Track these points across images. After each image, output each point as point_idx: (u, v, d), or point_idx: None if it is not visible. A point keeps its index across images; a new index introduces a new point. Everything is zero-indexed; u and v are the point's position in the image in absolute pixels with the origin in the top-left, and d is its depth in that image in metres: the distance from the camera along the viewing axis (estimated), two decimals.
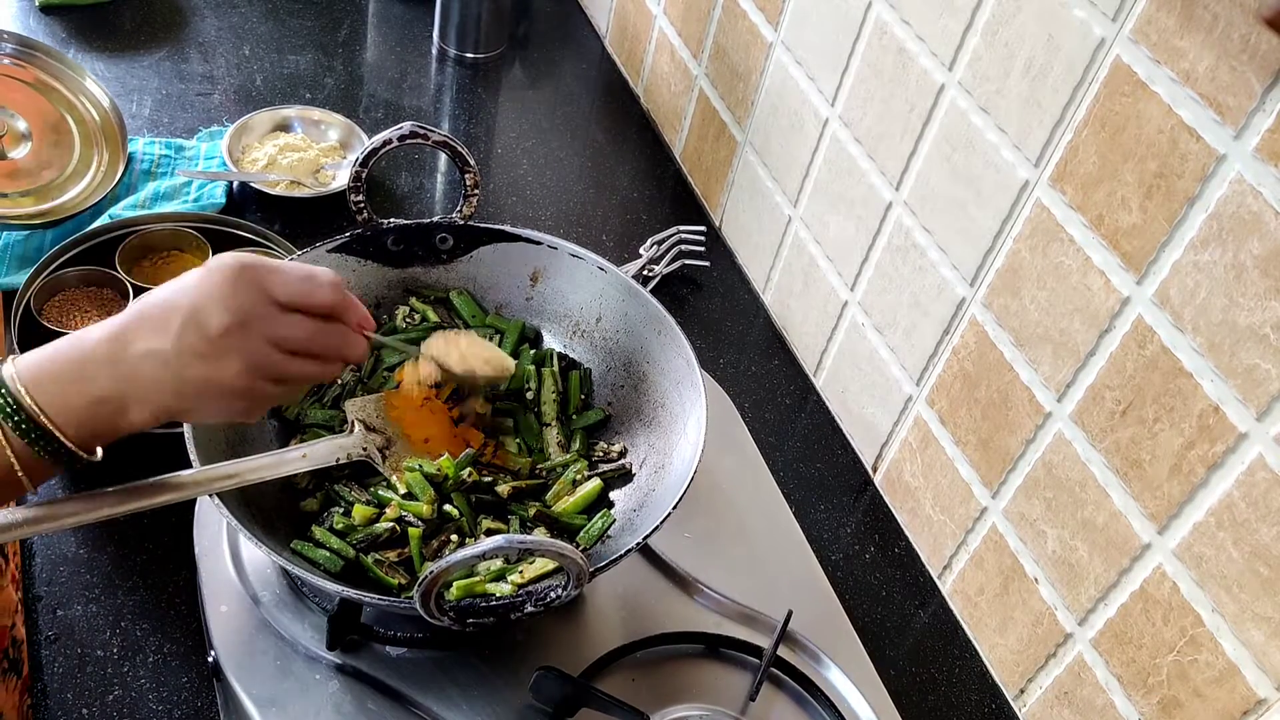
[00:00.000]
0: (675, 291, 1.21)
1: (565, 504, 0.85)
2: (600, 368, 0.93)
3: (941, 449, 0.98)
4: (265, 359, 0.65)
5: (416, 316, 0.93)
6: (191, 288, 0.64)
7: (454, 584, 0.78)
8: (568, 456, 0.88)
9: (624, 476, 0.88)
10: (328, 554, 0.78)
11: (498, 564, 0.80)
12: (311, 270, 0.69)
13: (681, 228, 1.26)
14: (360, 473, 0.84)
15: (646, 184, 1.35)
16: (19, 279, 1.04)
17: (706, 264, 1.25)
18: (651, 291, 0.91)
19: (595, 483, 0.85)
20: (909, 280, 0.99)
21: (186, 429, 0.75)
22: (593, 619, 0.85)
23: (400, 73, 1.43)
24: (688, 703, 0.81)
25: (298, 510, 0.83)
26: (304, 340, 0.67)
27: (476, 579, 0.78)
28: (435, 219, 0.93)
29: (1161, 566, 0.77)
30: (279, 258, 0.80)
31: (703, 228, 1.28)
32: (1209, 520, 0.73)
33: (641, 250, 1.23)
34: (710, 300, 1.23)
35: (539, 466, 0.87)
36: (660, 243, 1.24)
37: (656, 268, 1.22)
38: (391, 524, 0.80)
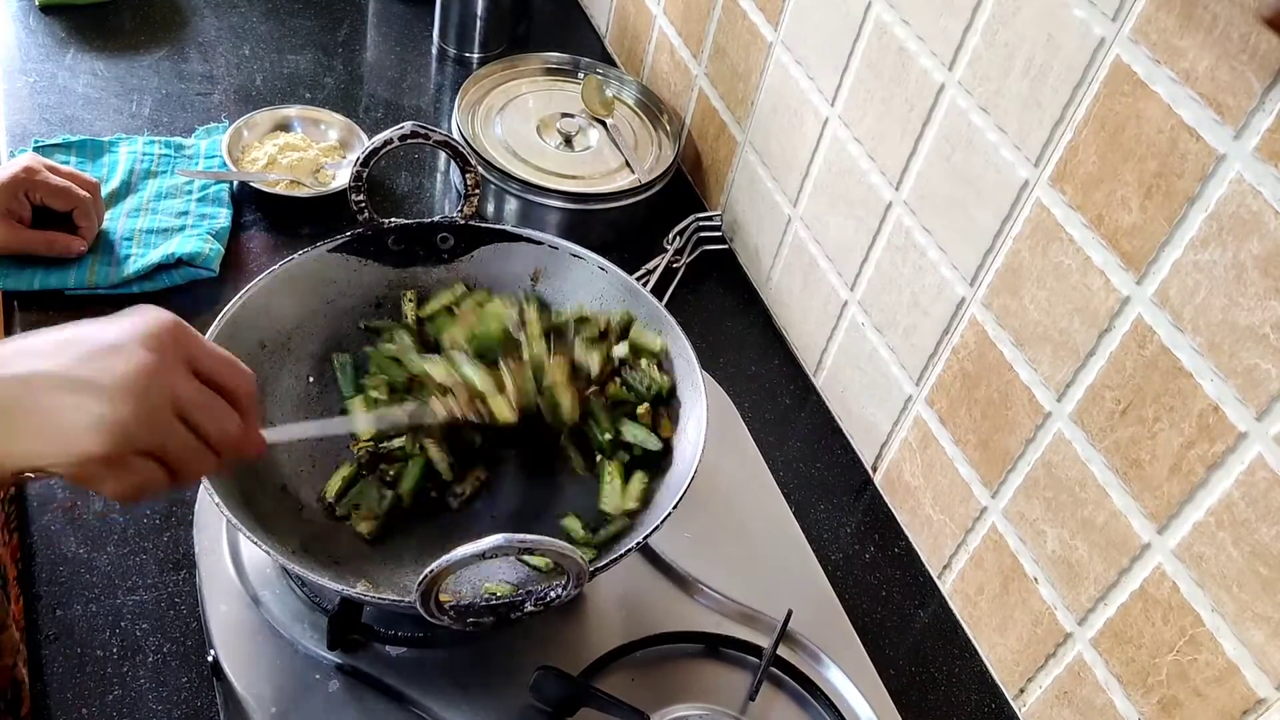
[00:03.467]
0: (676, 291, 1.21)
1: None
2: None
3: (941, 449, 0.98)
4: (162, 416, 0.60)
5: (379, 386, 0.88)
6: (112, 325, 0.61)
7: None
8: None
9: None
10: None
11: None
12: (233, 356, 0.67)
13: (697, 215, 1.28)
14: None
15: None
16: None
17: (726, 247, 1.27)
18: (652, 291, 0.91)
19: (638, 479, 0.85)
20: (909, 280, 0.99)
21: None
22: (593, 619, 0.85)
23: (400, 73, 1.43)
24: (688, 702, 0.81)
25: (298, 511, 0.83)
26: (205, 410, 0.62)
27: None
28: (436, 219, 0.93)
29: (1161, 566, 0.77)
30: None
31: (718, 212, 1.29)
32: (1209, 520, 0.73)
33: (666, 244, 1.24)
34: (710, 300, 1.23)
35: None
36: (681, 233, 1.25)
37: (681, 258, 1.23)
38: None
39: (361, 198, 0.89)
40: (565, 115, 1.29)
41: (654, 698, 0.80)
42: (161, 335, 0.61)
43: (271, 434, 0.72)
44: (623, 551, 0.74)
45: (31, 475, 0.66)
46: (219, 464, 0.65)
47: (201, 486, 0.74)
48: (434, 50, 1.48)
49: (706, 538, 0.91)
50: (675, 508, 0.76)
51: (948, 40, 0.90)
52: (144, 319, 0.62)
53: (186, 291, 1.08)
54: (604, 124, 1.30)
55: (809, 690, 0.83)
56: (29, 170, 1.02)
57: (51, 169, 1.05)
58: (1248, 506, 0.71)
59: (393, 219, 0.92)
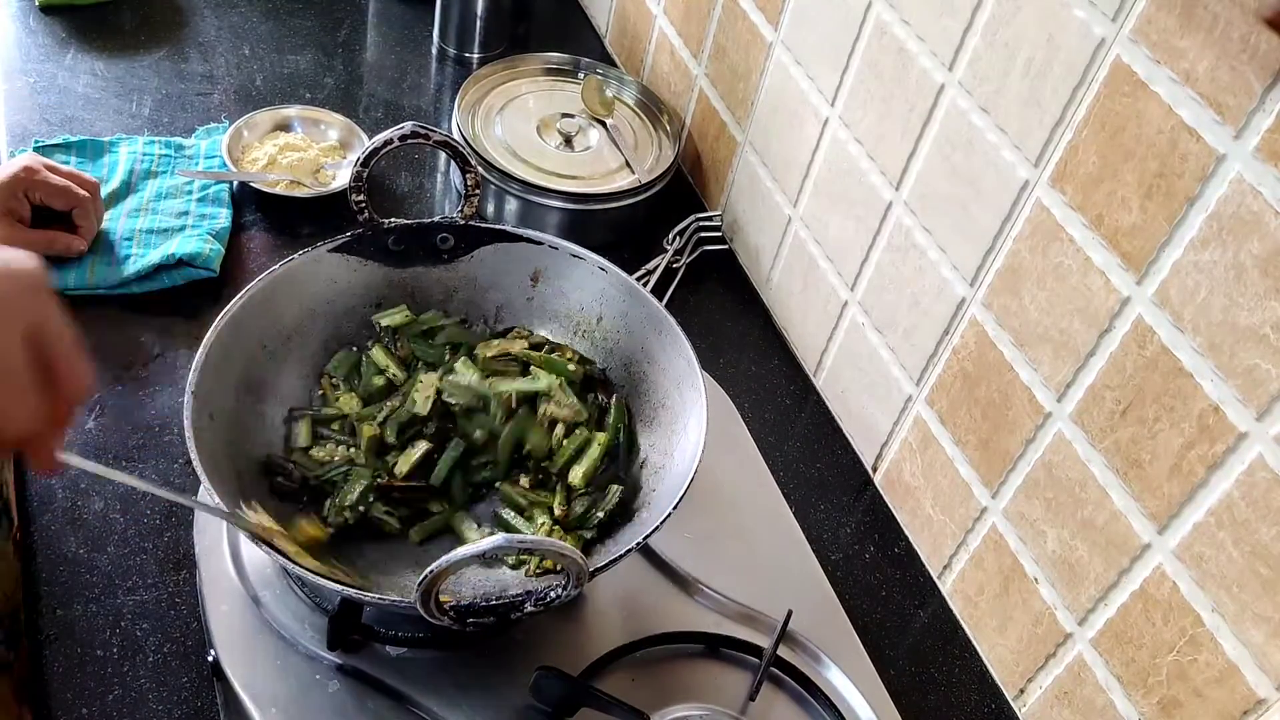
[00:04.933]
0: (676, 291, 1.21)
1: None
2: (600, 368, 0.93)
3: (941, 449, 0.98)
4: None
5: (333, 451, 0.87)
6: None
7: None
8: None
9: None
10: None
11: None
12: (82, 355, 0.56)
13: (697, 215, 1.28)
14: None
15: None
16: None
17: (726, 247, 1.27)
18: (652, 291, 0.91)
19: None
20: (909, 280, 0.99)
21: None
22: (593, 619, 0.85)
23: (400, 73, 1.43)
24: (688, 702, 0.81)
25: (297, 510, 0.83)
26: (10, 392, 0.52)
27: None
28: (436, 219, 0.93)
29: (1161, 566, 0.77)
30: None
31: (718, 212, 1.29)
32: (1209, 520, 0.73)
33: (666, 244, 1.24)
34: (710, 300, 1.23)
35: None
36: (681, 233, 1.25)
37: (681, 258, 1.23)
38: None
39: (362, 198, 0.89)
40: (565, 115, 1.29)
41: (654, 698, 0.80)
42: (22, 278, 0.52)
43: (72, 459, 0.62)
44: (623, 552, 0.74)
45: None
46: None
47: (201, 487, 0.74)
48: (434, 50, 1.48)
49: (706, 538, 0.91)
50: (675, 508, 0.76)
51: (948, 40, 0.90)
52: (12, 255, 0.53)
53: (187, 292, 1.08)
54: (604, 124, 1.30)
55: (809, 690, 0.83)
56: (29, 170, 1.03)
57: (52, 169, 1.05)
58: (1248, 507, 0.71)
59: (393, 219, 0.92)
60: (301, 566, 0.72)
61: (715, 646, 0.85)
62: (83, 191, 1.05)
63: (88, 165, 1.17)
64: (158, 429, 0.97)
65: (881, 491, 1.07)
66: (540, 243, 0.93)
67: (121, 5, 1.39)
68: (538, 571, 0.83)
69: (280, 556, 0.72)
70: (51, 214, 1.05)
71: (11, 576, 0.93)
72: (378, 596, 0.73)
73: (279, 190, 1.19)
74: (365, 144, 0.98)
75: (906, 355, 1.01)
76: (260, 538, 0.73)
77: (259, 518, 0.76)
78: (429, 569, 0.65)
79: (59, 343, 0.54)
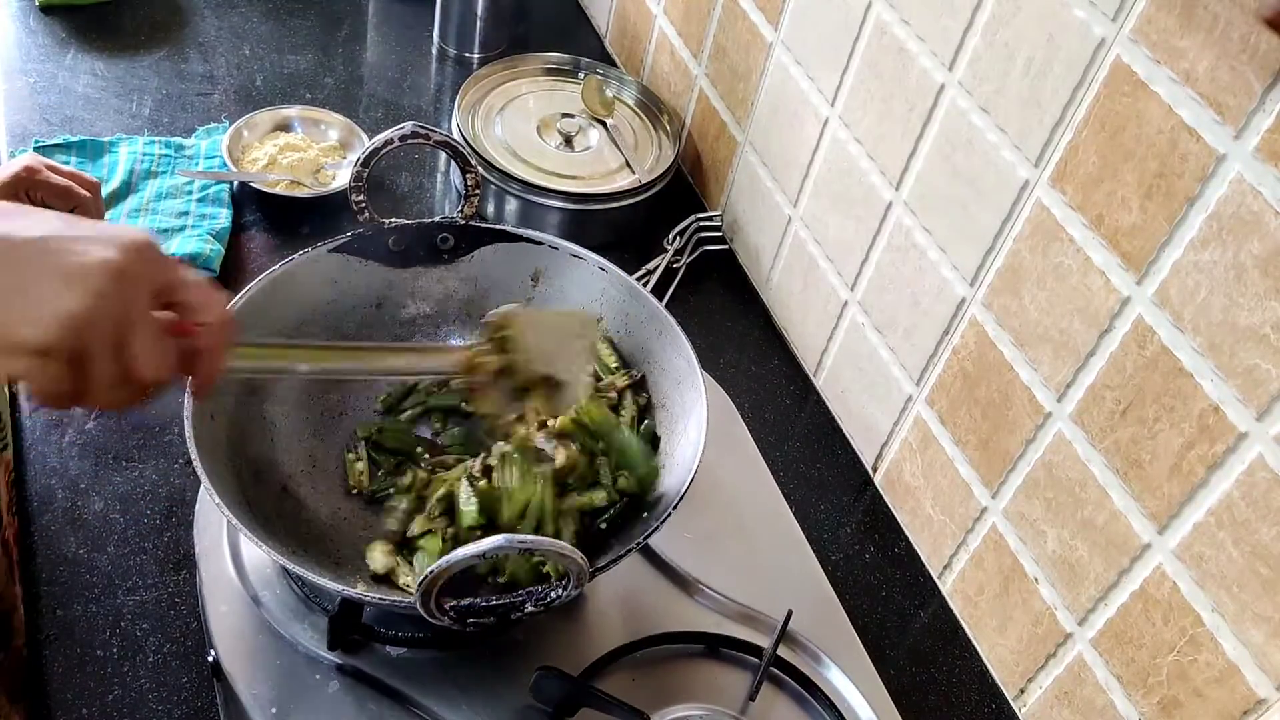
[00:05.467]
0: (676, 291, 1.21)
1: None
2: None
3: (941, 449, 0.98)
4: (104, 326, 0.56)
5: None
6: (88, 221, 0.58)
7: None
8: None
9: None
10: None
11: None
12: (213, 288, 0.63)
13: (697, 215, 1.28)
14: None
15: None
16: None
17: (726, 247, 1.27)
18: (652, 291, 0.91)
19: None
20: (909, 280, 0.99)
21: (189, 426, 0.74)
22: (593, 619, 0.85)
23: (400, 73, 1.43)
24: (688, 703, 0.81)
25: (298, 512, 0.83)
26: (145, 342, 0.58)
27: None
28: (436, 219, 0.93)
29: (1161, 566, 0.77)
30: None
31: (718, 212, 1.29)
32: (1209, 520, 0.73)
33: (666, 244, 1.24)
34: (710, 300, 1.23)
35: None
36: (681, 233, 1.25)
37: (681, 258, 1.23)
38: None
39: (362, 198, 0.89)
40: (565, 115, 1.29)
41: (654, 698, 0.80)
42: (143, 249, 0.58)
43: (234, 364, 0.67)
44: (623, 552, 0.74)
45: None
46: (131, 401, 0.60)
47: (201, 487, 0.74)
48: (434, 50, 1.48)
49: (706, 538, 0.91)
50: (675, 508, 0.76)
51: (948, 40, 0.90)
52: (126, 228, 0.59)
53: None
54: (604, 124, 1.30)
55: (809, 690, 0.83)
56: (30, 170, 1.02)
57: (52, 169, 1.05)
58: (1248, 507, 0.71)
59: (393, 219, 0.92)
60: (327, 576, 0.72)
61: (715, 646, 0.85)
62: (84, 192, 1.05)
63: (88, 165, 1.17)
64: (158, 429, 0.97)
65: (881, 491, 1.07)
66: (540, 243, 0.93)
67: (121, 5, 1.40)
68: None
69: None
70: None
71: (2, 575, 0.93)
72: (378, 596, 0.73)
73: (279, 190, 1.19)
74: (365, 144, 0.98)
75: (906, 355, 1.01)
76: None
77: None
78: (429, 569, 0.65)
79: (188, 287, 0.61)
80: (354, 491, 0.87)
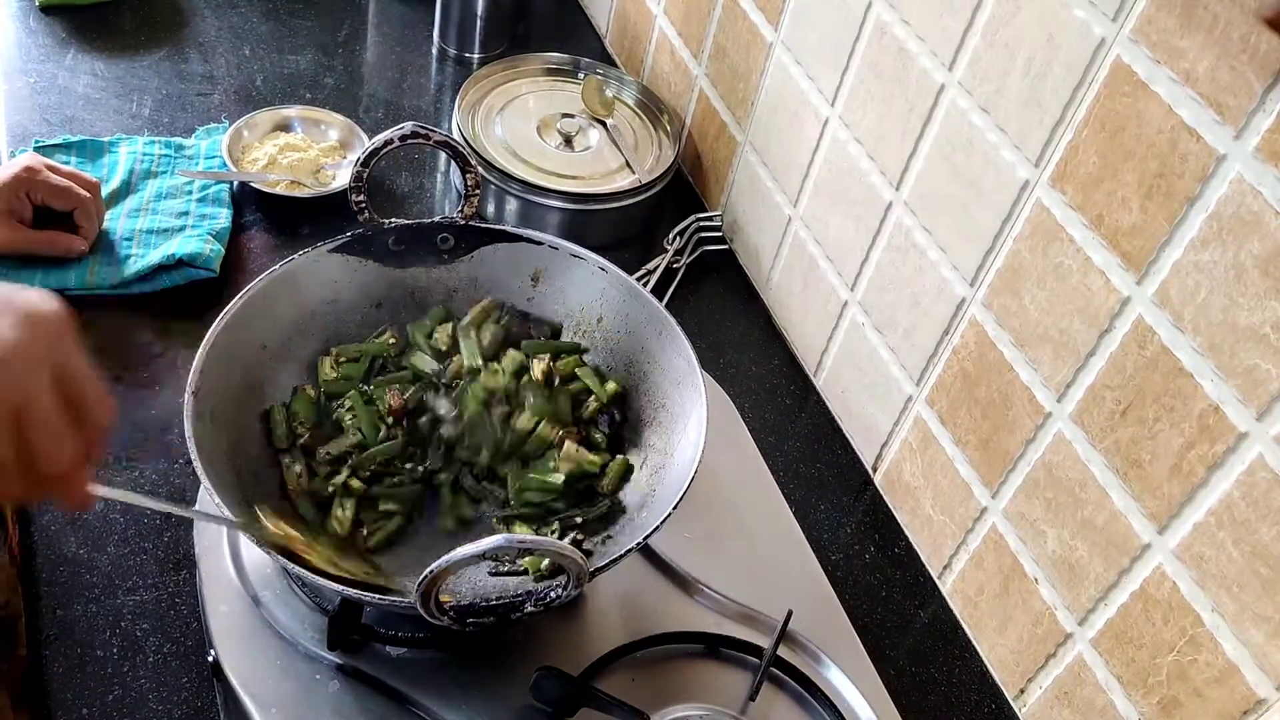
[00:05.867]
0: (676, 291, 1.21)
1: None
2: (601, 368, 0.93)
3: (941, 449, 0.98)
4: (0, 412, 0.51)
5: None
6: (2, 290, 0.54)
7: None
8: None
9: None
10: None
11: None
12: (102, 388, 0.57)
13: (697, 215, 1.28)
14: None
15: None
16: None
17: (726, 247, 1.27)
18: (652, 291, 0.91)
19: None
20: (909, 280, 0.99)
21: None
22: (593, 619, 0.85)
23: (400, 73, 1.43)
24: (688, 703, 0.81)
25: (296, 511, 0.83)
26: (46, 428, 0.53)
27: None
28: (436, 219, 0.93)
29: (1161, 566, 0.77)
30: None
31: (718, 212, 1.29)
32: (1209, 520, 0.73)
33: (666, 244, 1.24)
34: (710, 300, 1.23)
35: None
36: (681, 233, 1.25)
37: (681, 258, 1.24)
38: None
39: (362, 198, 0.89)
40: (565, 115, 1.29)
41: (654, 698, 0.80)
42: (46, 322, 0.53)
43: (103, 490, 0.61)
44: (623, 552, 0.74)
45: None
46: (27, 496, 0.56)
47: (201, 486, 0.74)
48: (434, 50, 1.48)
49: (706, 538, 0.91)
50: (675, 508, 0.76)
51: (948, 40, 0.90)
52: (35, 297, 0.54)
53: (186, 292, 1.08)
54: (604, 124, 1.30)
55: (809, 690, 0.83)
56: (30, 170, 1.03)
57: (52, 169, 1.05)
58: (1248, 507, 0.71)
59: (393, 219, 0.92)
60: (329, 577, 0.72)
61: (715, 646, 0.85)
62: (84, 192, 1.05)
63: (88, 165, 1.17)
64: (158, 429, 0.97)
65: (881, 491, 1.07)
66: (540, 243, 0.93)
67: (121, 5, 1.39)
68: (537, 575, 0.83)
69: (308, 570, 0.72)
70: (52, 214, 1.05)
71: (6, 586, 0.93)
72: (378, 596, 0.73)
73: (279, 190, 1.19)
74: (365, 144, 0.98)
75: (906, 355, 1.01)
76: (280, 548, 0.72)
77: (275, 525, 0.76)
78: (429, 569, 0.65)
79: (84, 380, 0.55)
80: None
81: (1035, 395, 0.87)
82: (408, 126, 0.86)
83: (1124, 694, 0.82)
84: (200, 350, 0.79)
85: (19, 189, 1.02)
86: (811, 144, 1.10)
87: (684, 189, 1.35)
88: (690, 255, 1.25)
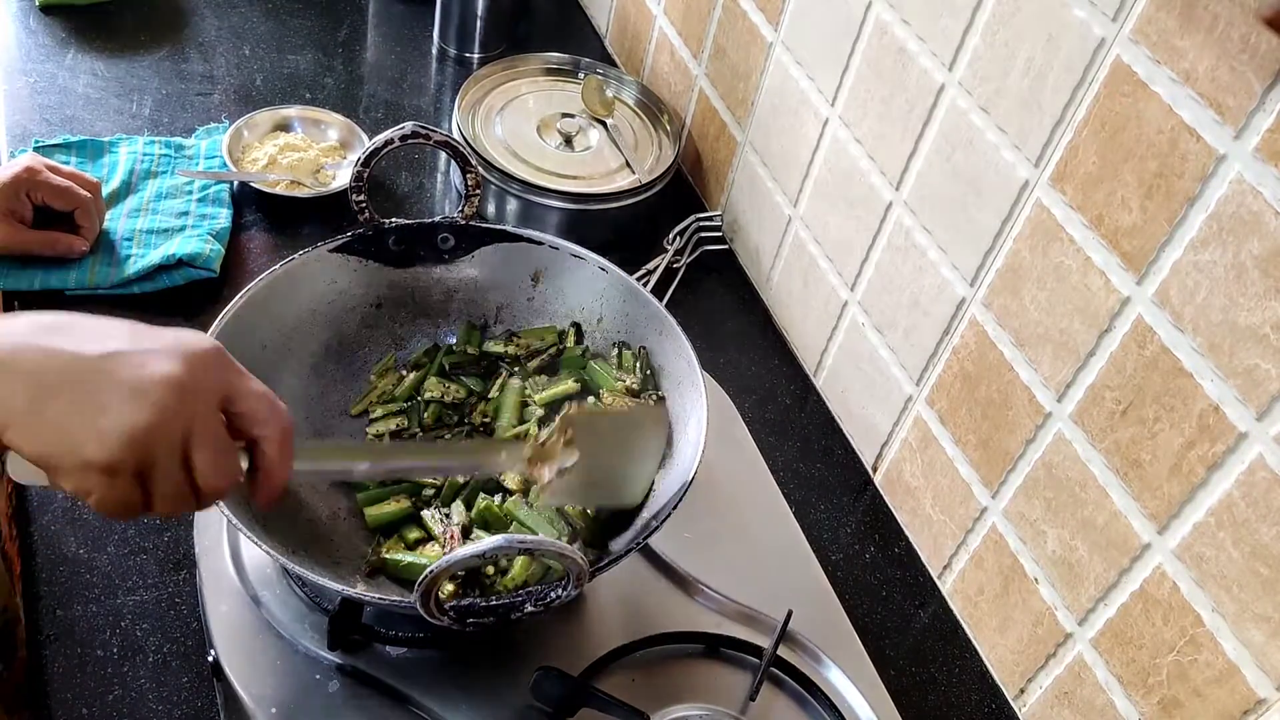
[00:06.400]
0: (676, 291, 1.21)
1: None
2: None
3: (941, 449, 0.98)
4: (168, 442, 0.57)
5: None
6: (153, 332, 0.60)
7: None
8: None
9: None
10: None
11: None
12: (272, 394, 0.64)
13: (697, 215, 1.28)
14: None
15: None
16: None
17: (726, 247, 1.27)
18: (652, 291, 0.91)
19: None
20: (909, 280, 0.99)
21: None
22: (593, 619, 0.85)
23: (400, 73, 1.43)
24: (688, 703, 0.81)
25: (297, 512, 0.83)
26: (210, 453, 0.59)
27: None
28: (436, 219, 0.93)
29: (1161, 566, 0.77)
30: None
31: (719, 212, 1.29)
32: (1209, 520, 0.73)
33: (666, 244, 1.25)
34: (710, 300, 1.23)
35: None
36: (681, 233, 1.25)
37: (681, 258, 1.24)
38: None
39: (362, 198, 0.89)
40: (565, 115, 1.29)
41: (654, 698, 0.80)
42: (206, 358, 0.60)
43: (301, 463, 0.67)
44: (623, 552, 0.74)
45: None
46: (195, 508, 0.61)
47: None
48: (434, 50, 1.48)
49: (706, 538, 0.91)
50: (675, 508, 0.76)
51: (948, 40, 0.90)
52: (191, 338, 0.61)
53: (187, 292, 1.08)
54: (604, 124, 1.30)
55: (809, 690, 0.83)
56: (30, 170, 1.03)
57: (53, 169, 1.05)
58: (1248, 507, 0.71)
59: (393, 219, 0.92)
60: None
61: (715, 646, 0.85)
62: (84, 192, 1.05)
63: (88, 165, 1.17)
64: None
65: (881, 491, 1.07)
66: (540, 243, 0.93)
67: (121, 5, 1.39)
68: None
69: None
70: (53, 214, 1.05)
71: (3, 590, 0.93)
72: (378, 596, 0.73)
73: (279, 190, 1.19)
74: (365, 144, 0.98)
75: (906, 355, 1.01)
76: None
77: None
78: (429, 569, 0.65)
79: (250, 398, 0.62)
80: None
81: (1035, 395, 0.87)
82: (408, 126, 0.86)
83: (1124, 694, 0.82)
84: None
85: (19, 189, 1.02)
86: (811, 144, 1.10)
87: (684, 189, 1.35)
88: (690, 255, 1.25)
